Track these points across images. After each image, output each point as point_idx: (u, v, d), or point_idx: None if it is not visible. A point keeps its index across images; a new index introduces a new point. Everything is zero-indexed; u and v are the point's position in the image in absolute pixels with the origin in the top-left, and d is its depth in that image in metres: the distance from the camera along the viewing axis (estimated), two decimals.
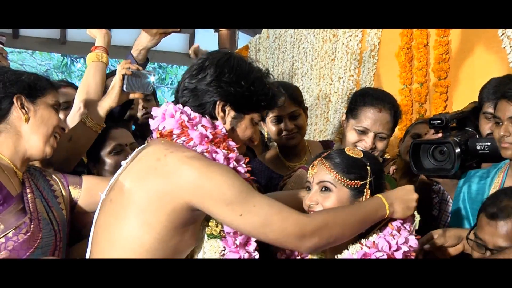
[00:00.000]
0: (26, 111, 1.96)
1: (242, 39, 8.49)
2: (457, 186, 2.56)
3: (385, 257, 1.79)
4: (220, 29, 8.28)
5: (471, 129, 2.75)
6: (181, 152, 1.75)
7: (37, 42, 8.34)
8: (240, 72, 1.93)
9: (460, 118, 2.79)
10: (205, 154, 1.79)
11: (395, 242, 1.84)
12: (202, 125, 1.84)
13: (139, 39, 2.67)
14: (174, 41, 9.32)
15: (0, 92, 1.94)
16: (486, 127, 2.70)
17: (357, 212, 1.85)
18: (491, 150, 2.53)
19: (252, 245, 1.87)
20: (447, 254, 2.16)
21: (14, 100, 1.95)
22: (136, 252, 1.72)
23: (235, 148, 1.90)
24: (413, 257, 1.88)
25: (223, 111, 1.91)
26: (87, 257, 1.86)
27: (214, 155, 1.81)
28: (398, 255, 1.82)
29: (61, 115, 2.50)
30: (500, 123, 2.29)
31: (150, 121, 1.95)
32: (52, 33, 8.51)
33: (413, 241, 1.88)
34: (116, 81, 2.41)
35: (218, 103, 1.89)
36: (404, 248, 1.84)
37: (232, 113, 1.92)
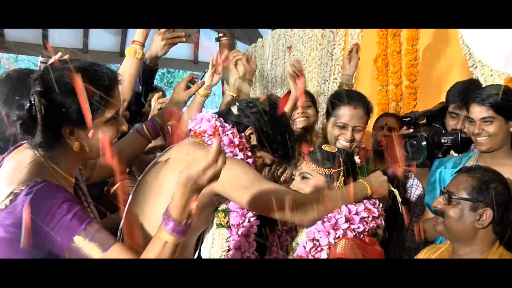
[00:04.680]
0: (76, 137, 1.58)
1: (240, 47, 8.49)
2: (431, 170, 2.64)
3: (343, 219, 1.92)
4: (221, 39, 8.28)
5: (438, 125, 2.82)
6: (206, 149, 1.83)
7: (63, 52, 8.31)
8: (279, 121, 2.08)
9: (429, 116, 2.87)
10: (229, 154, 1.92)
11: (355, 208, 1.97)
12: (232, 132, 1.98)
13: (151, 49, 2.68)
14: (181, 49, 9.34)
15: (48, 125, 1.52)
16: (451, 124, 2.81)
17: (345, 191, 1.98)
18: (453, 142, 2.63)
19: (252, 236, 1.98)
20: None
21: (62, 131, 1.55)
22: None
23: (251, 158, 2.03)
24: (373, 224, 2.01)
25: (249, 136, 2.03)
26: (120, 228, 1.95)
27: (235, 157, 1.94)
28: (356, 219, 1.95)
29: None
30: (473, 122, 2.40)
31: (189, 121, 2.09)
32: (76, 42, 8.51)
33: (374, 210, 2.01)
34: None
35: (249, 128, 2.02)
36: (363, 214, 1.97)
37: (254, 142, 2.04)
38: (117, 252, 1.49)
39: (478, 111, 2.38)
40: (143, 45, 2.50)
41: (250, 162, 1.98)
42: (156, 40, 2.61)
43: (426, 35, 3.77)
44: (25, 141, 1.62)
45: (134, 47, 2.46)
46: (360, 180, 2.06)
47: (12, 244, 1.46)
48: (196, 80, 2.54)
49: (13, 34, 8.25)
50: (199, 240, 1.99)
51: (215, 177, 1.46)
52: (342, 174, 2.06)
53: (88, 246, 1.46)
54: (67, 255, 1.47)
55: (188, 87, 2.50)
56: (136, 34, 2.50)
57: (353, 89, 3.29)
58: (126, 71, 2.45)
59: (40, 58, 2.84)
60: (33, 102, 1.50)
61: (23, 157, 1.53)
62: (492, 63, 2.59)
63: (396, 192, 2.13)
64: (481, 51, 2.38)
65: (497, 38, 2.36)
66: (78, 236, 1.45)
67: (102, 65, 1.64)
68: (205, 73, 2.62)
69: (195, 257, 1.96)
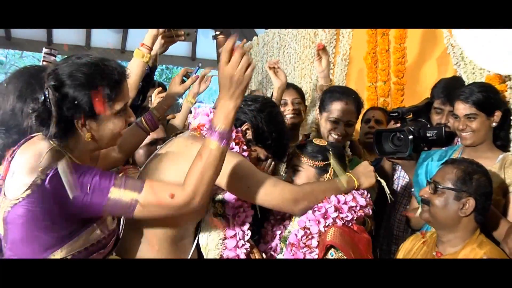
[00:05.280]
0: (88, 128, 1.61)
1: (236, 45, 8.47)
2: (418, 162, 2.66)
3: (332, 208, 1.94)
4: (218, 37, 8.28)
5: (423, 120, 2.84)
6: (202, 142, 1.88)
7: (67, 49, 8.33)
8: (275, 119, 2.09)
9: (415, 111, 2.89)
10: None
11: (343, 198, 1.99)
12: None
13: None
14: (179, 47, 9.33)
15: (61, 117, 1.56)
16: (435, 118, 2.83)
17: (333, 184, 2.02)
18: (438, 136, 2.65)
19: (246, 225, 1.98)
20: None
21: (75, 123, 1.59)
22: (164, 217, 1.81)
23: (247, 151, 2.03)
24: (361, 213, 2.02)
25: (245, 132, 2.04)
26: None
27: (231, 150, 1.93)
28: (345, 208, 1.97)
29: None
30: (458, 118, 2.44)
31: (189, 116, 2.08)
32: (79, 40, 8.53)
33: (362, 200, 2.02)
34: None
35: (245, 123, 2.04)
36: (351, 203, 1.99)
37: (250, 137, 2.05)
38: (150, 187, 1.58)
39: (462, 108, 2.42)
40: (151, 49, 2.48)
41: (246, 155, 1.99)
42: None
43: (413, 34, 3.79)
44: (36, 134, 1.64)
45: (142, 50, 2.45)
46: (347, 173, 2.08)
47: (46, 223, 1.50)
48: (190, 74, 2.57)
49: (18, 31, 8.26)
50: (197, 229, 1.99)
51: (249, 66, 1.59)
52: (331, 166, 2.07)
53: (125, 194, 1.54)
54: (105, 212, 1.56)
55: (183, 81, 2.52)
56: (145, 37, 2.48)
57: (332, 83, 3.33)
58: (132, 71, 2.42)
59: (44, 50, 2.85)
60: (47, 96, 1.53)
61: (40, 147, 1.55)
62: (476, 59, 2.59)
63: (384, 183, 2.15)
64: (467, 46, 2.40)
65: (486, 36, 2.36)
66: (113, 188, 1.53)
67: (112, 61, 1.68)
68: (199, 67, 2.64)
69: (194, 245, 1.98)
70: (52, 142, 1.57)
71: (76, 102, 1.55)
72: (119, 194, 1.54)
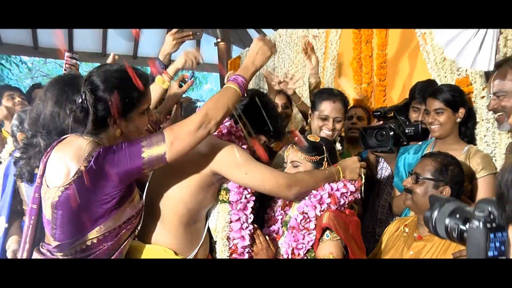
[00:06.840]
0: (118, 125, 1.71)
1: (236, 51, 8.48)
2: (398, 155, 2.72)
3: (327, 195, 1.98)
4: (219, 44, 8.30)
5: (403, 118, 2.90)
6: (212, 137, 1.92)
7: (85, 55, 8.36)
8: (267, 106, 2.12)
9: (395, 110, 2.94)
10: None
11: (336, 185, 2.02)
12: (230, 124, 2.05)
13: (164, 48, 2.63)
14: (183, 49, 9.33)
15: (97, 116, 1.65)
16: (413, 116, 2.88)
17: (323, 173, 2.03)
18: (415, 132, 2.72)
19: (249, 210, 2.01)
20: None
21: (108, 121, 1.68)
22: (176, 202, 1.88)
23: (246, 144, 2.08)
24: (351, 198, 2.05)
25: (244, 124, 2.08)
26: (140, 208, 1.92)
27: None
28: (338, 194, 2.00)
29: None
30: (429, 113, 2.53)
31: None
32: (96, 47, 8.56)
33: (351, 187, 2.05)
34: (176, 109, 2.58)
35: (244, 117, 2.07)
36: (342, 190, 2.02)
37: (249, 129, 2.08)
38: (168, 134, 1.67)
39: (432, 104, 2.52)
40: (171, 78, 2.49)
41: (245, 148, 2.03)
42: (167, 39, 2.58)
43: (393, 42, 3.81)
44: (65, 136, 1.70)
45: (164, 78, 2.44)
46: (336, 165, 2.09)
47: (96, 197, 1.59)
48: (186, 80, 2.60)
49: (43, 41, 8.29)
50: (208, 215, 2.04)
51: (272, 50, 1.95)
52: (325, 160, 2.09)
53: (154, 150, 1.64)
54: (145, 170, 1.65)
55: (180, 86, 2.55)
56: (169, 68, 2.50)
57: (322, 85, 3.40)
58: (152, 95, 2.45)
59: (67, 54, 2.87)
60: (84, 98, 1.61)
61: (80, 142, 1.63)
62: (449, 54, 2.62)
63: (363, 180, 2.15)
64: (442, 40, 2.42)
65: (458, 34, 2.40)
66: (143, 150, 1.62)
67: (138, 69, 1.76)
68: (193, 73, 2.67)
69: (206, 228, 2.01)
70: (87, 138, 1.64)
71: (109, 103, 1.64)
72: (149, 152, 1.63)
